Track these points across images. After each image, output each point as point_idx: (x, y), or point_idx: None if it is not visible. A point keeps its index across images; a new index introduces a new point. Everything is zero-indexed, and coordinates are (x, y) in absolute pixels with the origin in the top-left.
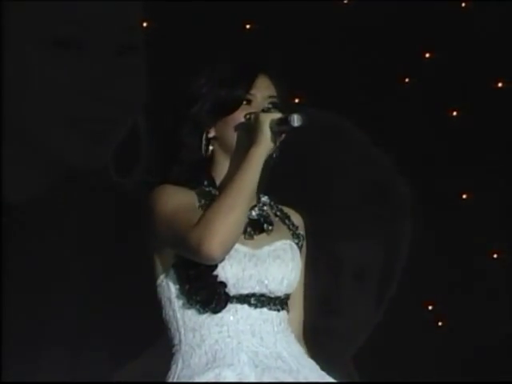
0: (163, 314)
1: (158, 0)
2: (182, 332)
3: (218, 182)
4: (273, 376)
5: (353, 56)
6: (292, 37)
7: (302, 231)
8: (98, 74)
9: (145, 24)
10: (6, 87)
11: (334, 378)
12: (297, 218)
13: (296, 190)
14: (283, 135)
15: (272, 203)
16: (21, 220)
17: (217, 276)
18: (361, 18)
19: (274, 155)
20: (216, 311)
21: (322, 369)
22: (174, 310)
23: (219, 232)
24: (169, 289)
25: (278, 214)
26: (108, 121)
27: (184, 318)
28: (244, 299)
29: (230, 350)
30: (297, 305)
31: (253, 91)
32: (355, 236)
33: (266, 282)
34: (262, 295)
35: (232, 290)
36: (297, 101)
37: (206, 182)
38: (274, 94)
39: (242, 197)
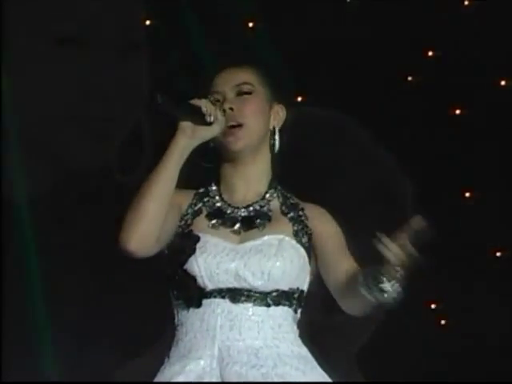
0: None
1: None
2: (176, 325)
3: (222, 183)
4: (233, 370)
5: (355, 55)
6: (294, 35)
7: (315, 221)
8: (100, 72)
9: (147, 22)
10: (7, 85)
11: (336, 376)
12: (313, 210)
13: (297, 189)
14: (210, 122)
15: (289, 196)
16: (23, 219)
17: (186, 271)
18: (363, 17)
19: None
20: (195, 306)
21: (325, 367)
22: (172, 302)
23: (128, 227)
24: (167, 279)
25: (289, 207)
26: (110, 120)
27: (178, 313)
28: (226, 294)
29: (204, 344)
30: (344, 268)
31: (217, 89)
32: (358, 235)
33: (244, 276)
34: (249, 290)
35: (209, 285)
36: (299, 99)
37: (213, 183)
38: (241, 80)
39: (150, 190)
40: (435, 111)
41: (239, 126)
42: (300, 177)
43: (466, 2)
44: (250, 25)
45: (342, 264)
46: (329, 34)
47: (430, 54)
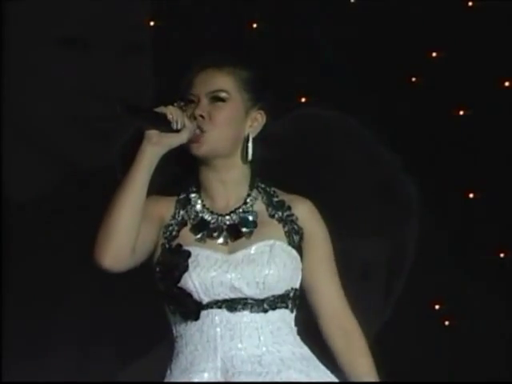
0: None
1: None
2: (174, 336)
3: (202, 189)
4: (239, 381)
5: (359, 55)
6: (298, 36)
7: (304, 221)
8: (105, 72)
9: (152, 23)
10: (11, 86)
11: (339, 377)
12: (300, 208)
13: (301, 190)
14: (178, 133)
15: (273, 191)
16: (25, 219)
17: (181, 288)
18: (367, 17)
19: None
20: (192, 319)
21: (329, 368)
22: (168, 314)
23: (100, 242)
24: (161, 294)
25: (275, 206)
26: (113, 120)
27: (175, 324)
28: (223, 304)
29: (206, 356)
30: (323, 297)
31: (193, 91)
32: (362, 235)
33: (240, 287)
34: (244, 299)
35: (204, 298)
36: (303, 100)
37: (193, 188)
38: (217, 87)
39: (119, 202)
40: (439, 112)
41: (204, 132)
42: (302, 177)
43: (470, 3)
44: (254, 26)
45: (323, 292)
46: (332, 35)
47: (434, 54)
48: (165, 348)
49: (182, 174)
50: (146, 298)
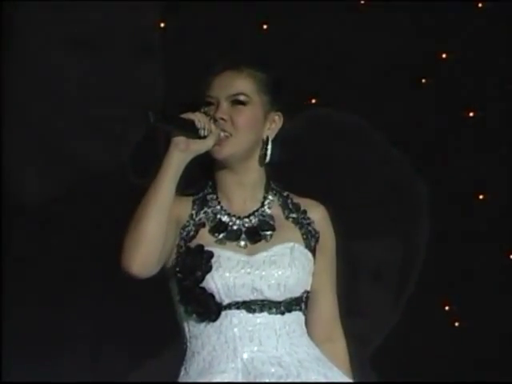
0: (177, 316)
1: (176, 0)
2: (188, 337)
3: (218, 190)
4: (262, 382)
5: (369, 56)
6: (307, 37)
7: (319, 225)
8: (115, 74)
9: (162, 24)
10: (23, 87)
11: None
12: (315, 212)
13: (312, 190)
14: (205, 138)
15: (286, 194)
16: (38, 220)
17: (203, 288)
18: (377, 19)
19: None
20: (211, 320)
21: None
22: (180, 314)
23: (129, 250)
24: (174, 295)
25: (291, 209)
26: (125, 121)
27: (189, 325)
28: (241, 305)
29: (226, 357)
30: (320, 302)
31: (212, 94)
32: (372, 236)
33: (261, 289)
34: (262, 300)
35: (225, 299)
36: (313, 101)
37: (210, 189)
38: (237, 90)
39: (147, 210)
40: (449, 113)
41: (228, 135)
42: (314, 178)
43: (480, 4)
44: (265, 27)
45: (321, 297)
46: (342, 36)
47: (444, 56)
48: (177, 348)
49: (198, 173)
50: (158, 298)
